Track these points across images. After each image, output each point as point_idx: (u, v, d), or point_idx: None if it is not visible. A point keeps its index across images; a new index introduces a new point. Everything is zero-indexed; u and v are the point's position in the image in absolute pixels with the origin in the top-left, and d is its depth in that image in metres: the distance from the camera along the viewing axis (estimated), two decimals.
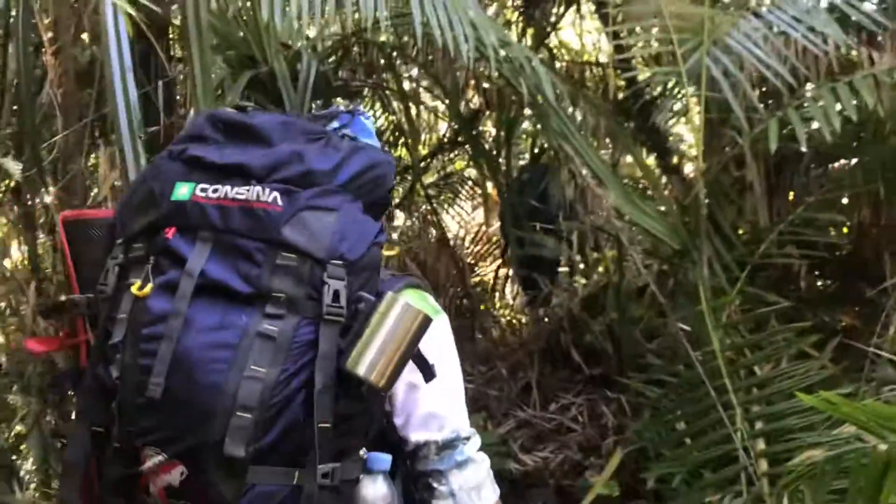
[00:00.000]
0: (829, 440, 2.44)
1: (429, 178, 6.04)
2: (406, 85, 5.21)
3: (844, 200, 3.44)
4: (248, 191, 1.15)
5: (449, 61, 4.09)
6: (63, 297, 1.24)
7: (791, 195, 3.42)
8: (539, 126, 3.52)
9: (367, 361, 1.10)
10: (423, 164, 5.58)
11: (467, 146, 5.17)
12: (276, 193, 1.15)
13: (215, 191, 1.15)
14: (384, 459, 1.21)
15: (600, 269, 4.65)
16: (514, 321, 5.73)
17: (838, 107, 2.66)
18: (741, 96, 2.95)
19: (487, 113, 4.66)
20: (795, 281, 3.22)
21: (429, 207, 5.44)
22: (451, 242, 5.62)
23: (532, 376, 4.93)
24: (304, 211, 1.15)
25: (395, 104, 5.37)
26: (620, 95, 4.29)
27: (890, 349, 2.97)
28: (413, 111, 4.84)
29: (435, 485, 1.27)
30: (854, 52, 3.27)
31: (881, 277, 3.39)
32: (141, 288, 1.13)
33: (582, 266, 4.68)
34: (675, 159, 4.28)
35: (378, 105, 5.55)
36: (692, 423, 2.82)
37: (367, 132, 1.41)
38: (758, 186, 3.05)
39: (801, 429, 2.57)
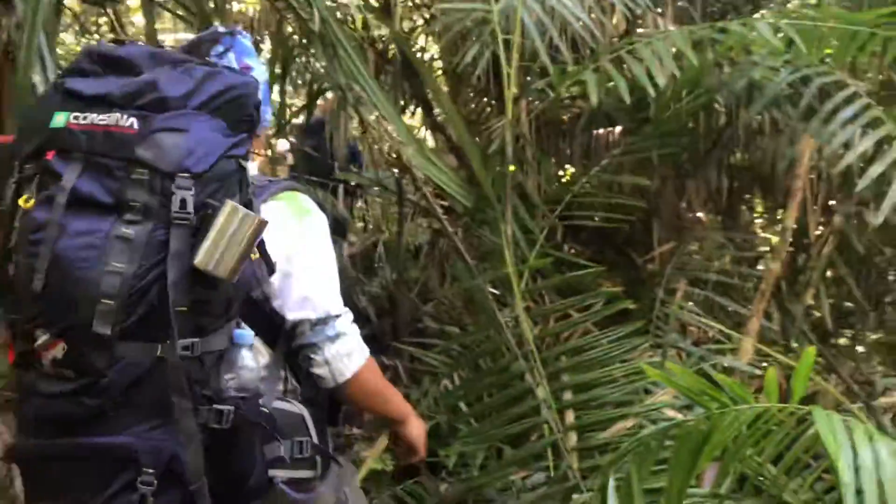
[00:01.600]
0: (642, 411, 2.35)
1: None
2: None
3: None
4: (108, 117, 1.34)
5: None
6: None
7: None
8: (321, 63, 3.08)
9: (212, 258, 1.30)
10: None
11: None
12: (133, 119, 1.33)
13: (84, 118, 1.34)
14: (244, 335, 1.44)
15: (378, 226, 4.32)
16: None
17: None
18: (548, 44, 2.76)
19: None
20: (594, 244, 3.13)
21: None
22: None
23: None
24: (157, 133, 1.33)
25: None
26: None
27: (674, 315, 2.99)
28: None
29: (311, 355, 1.53)
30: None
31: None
32: (27, 201, 1.33)
33: (360, 223, 4.33)
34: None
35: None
36: (495, 395, 2.61)
37: (249, 52, 1.61)
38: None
39: (611, 401, 2.46)
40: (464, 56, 2.83)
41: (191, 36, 4.89)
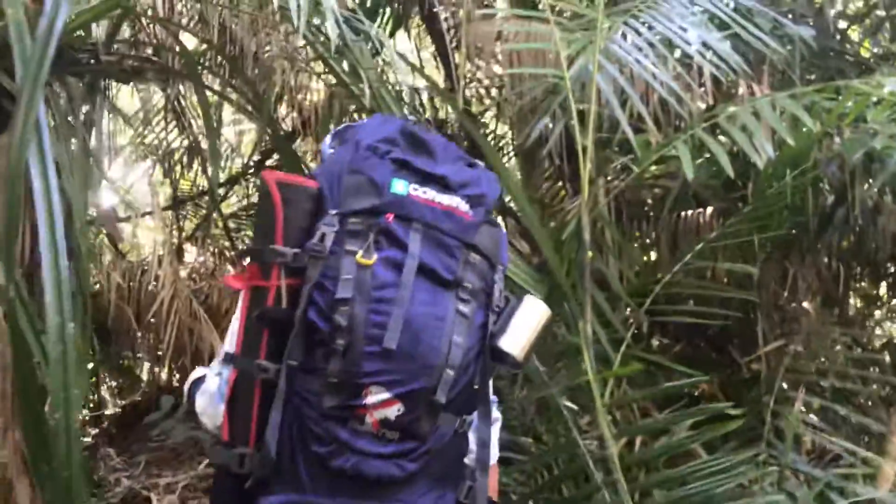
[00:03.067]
0: None
1: (229, 209, 5.10)
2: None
3: None
4: (450, 199, 1.40)
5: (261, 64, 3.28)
6: (267, 246, 1.37)
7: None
8: None
9: (518, 343, 1.40)
10: (222, 191, 4.68)
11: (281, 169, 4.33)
12: (467, 206, 1.41)
13: (425, 192, 1.39)
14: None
15: None
16: None
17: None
18: (629, 114, 2.41)
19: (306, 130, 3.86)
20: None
21: (227, 242, 4.51)
22: None
23: None
24: (484, 224, 1.43)
25: (190, 117, 4.49)
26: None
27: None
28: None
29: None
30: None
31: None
32: (364, 256, 1.33)
33: None
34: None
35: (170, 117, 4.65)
36: None
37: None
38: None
39: None
40: (532, 131, 2.49)
41: (253, 126, 4.78)
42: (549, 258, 2.30)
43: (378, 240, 1.34)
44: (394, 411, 1.31)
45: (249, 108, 3.51)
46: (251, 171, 5.08)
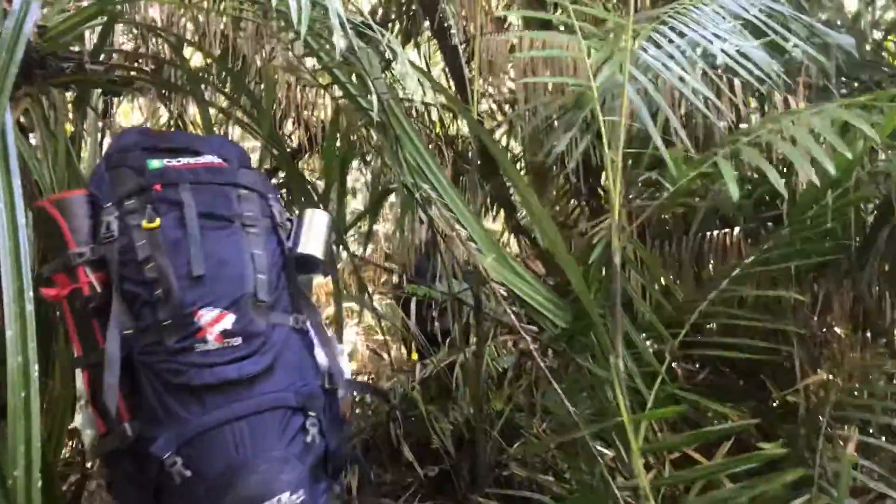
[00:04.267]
0: None
1: None
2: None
3: None
4: (203, 158, 1.68)
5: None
6: (67, 253, 1.52)
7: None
8: (385, 159, 2.59)
9: (312, 246, 1.73)
10: None
11: (284, 189, 4.13)
12: (219, 159, 1.70)
13: (178, 161, 1.64)
14: None
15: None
16: None
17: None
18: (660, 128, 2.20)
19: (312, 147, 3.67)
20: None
21: None
22: None
23: (351, 481, 3.93)
24: (241, 168, 1.72)
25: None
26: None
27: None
28: None
29: None
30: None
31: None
32: (149, 222, 1.52)
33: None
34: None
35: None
36: None
37: None
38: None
39: None
40: (553, 147, 2.29)
41: (256, 144, 4.62)
42: (577, 286, 2.09)
43: (155, 207, 1.54)
44: (229, 321, 1.47)
45: (253, 124, 3.33)
46: None
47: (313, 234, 1.69)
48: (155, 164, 1.61)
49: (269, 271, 1.56)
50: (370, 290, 3.97)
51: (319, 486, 1.54)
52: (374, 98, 2.25)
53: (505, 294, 2.50)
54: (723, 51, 2.31)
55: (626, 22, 2.12)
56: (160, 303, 1.47)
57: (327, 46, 2.45)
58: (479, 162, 3.05)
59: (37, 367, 1.42)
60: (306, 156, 3.97)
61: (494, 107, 4.35)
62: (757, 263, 2.49)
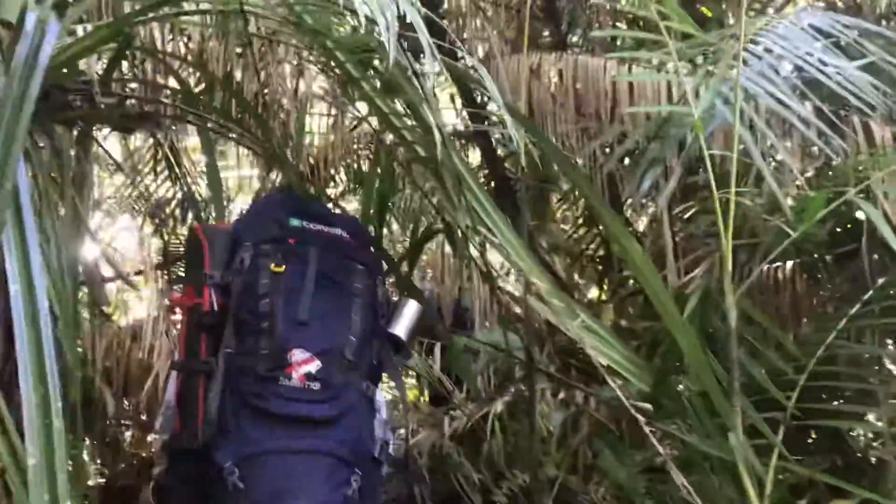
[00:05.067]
0: None
1: None
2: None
3: None
4: (334, 230, 1.87)
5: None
6: (202, 273, 1.74)
7: None
8: (432, 197, 2.27)
9: (401, 328, 1.87)
10: None
11: None
12: (347, 234, 1.89)
13: (315, 226, 1.84)
14: None
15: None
16: None
17: None
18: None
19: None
20: None
21: None
22: None
23: None
24: (361, 246, 1.93)
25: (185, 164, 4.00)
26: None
27: None
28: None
29: None
30: None
31: None
32: (276, 266, 1.70)
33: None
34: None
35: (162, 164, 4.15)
36: None
37: None
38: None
39: None
40: (642, 179, 1.98)
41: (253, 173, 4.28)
42: (688, 350, 1.76)
43: (285, 257, 1.72)
44: (314, 367, 1.62)
45: (259, 151, 3.00)
46: None
47: (403, 319, 1.83)
48: (295, 222, 1.80)
49: (360, 337, 1.70)
50: None
51: None
52: (436, 133, 1.93)
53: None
54: (824, 73, 2.03)
55: (730, 38, 1.82)
56: (264, 334, 1.64)
57: (370, 71, 2.15)
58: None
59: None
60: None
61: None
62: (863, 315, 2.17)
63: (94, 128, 2.10)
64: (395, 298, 1.90)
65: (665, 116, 2.07)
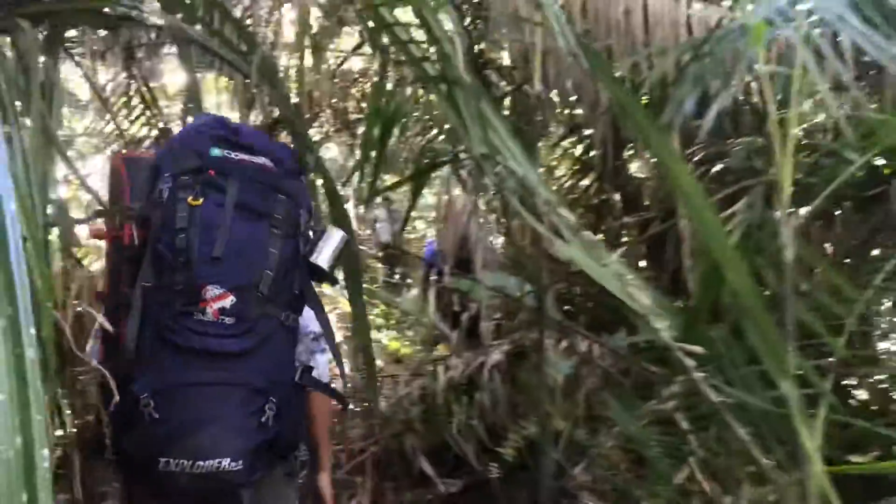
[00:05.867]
0: None
1: None
2: None
3: None
4: (258, 159, 1.80)
5: None
6: (121, 206, 1.75)
7: None
8: (446, 127, 2.05)
9: (322, 258, 1.83)
10: None
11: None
12: (272, 163, 1.82)
13: (237, 155, 1.78)
14: None
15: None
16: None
17: None
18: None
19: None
20: None
21: None
22: None
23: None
24: (286, 177, 1.84)
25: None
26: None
27: None
28: None
29: None
30: None
31: None
32: (193, 199, 1.69)
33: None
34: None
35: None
36: None
37: None
38: None
39: None
40: (681, 104, 1.77)
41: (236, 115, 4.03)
42: (743, 289, 1.57)
43: (204, 189, 1.70)
44: (228, 302, 1.63)
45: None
46: None
47: (326, 248, 1.80)
48: (216, 152, 1.77)
49: (277, 269, 1.70)
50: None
51: (259, 462, 1.65)
52: (451, 43, 1.71)
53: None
54: None
55: None
56: (179, 270, 1.64)
57: None
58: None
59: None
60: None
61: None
62: None
63: (66, 27, 1.84)
64: (320, 228, 1.85)
65: (705, 36, 1.85)
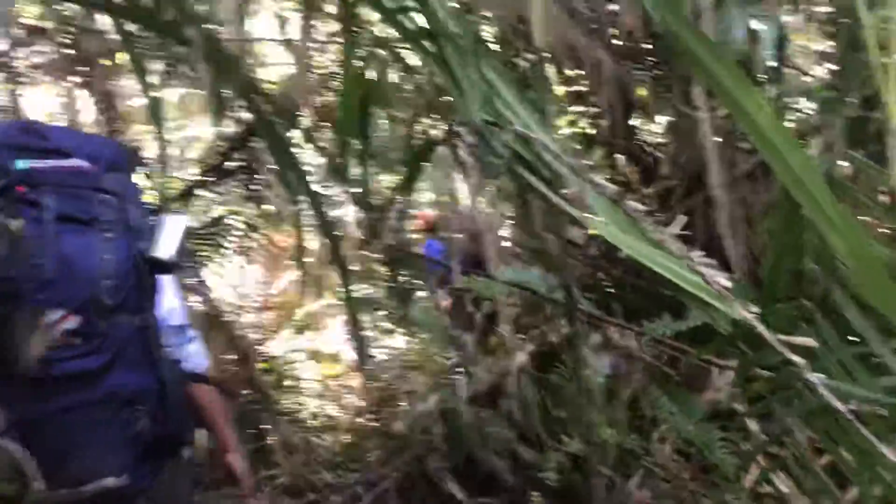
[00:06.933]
0: None
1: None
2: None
3: None
4: (71, 162, 1.68)
5: None
6: None
7: None
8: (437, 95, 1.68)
9: (165, 249, 1.74)
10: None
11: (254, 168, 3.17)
12: (87, 162, 1.70)
13: (46, 163, 1.65)
14: None
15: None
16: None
17: None
18: None
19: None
20: None
21: None
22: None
23: None
24: (108, 173, 1.73)
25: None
26: None
27: None
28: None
29: None
30: None
31: None
32: (7, 222, 1.54)
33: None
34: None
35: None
36: None
37: None
38: None
39: None
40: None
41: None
42: (850, 242, 1.18)
43: (17, 207, 1.58)
44: (73, 323, 1.56)
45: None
46: (211, 178, 3.97)
47: (166, 238, 1.72)
48: (21, 164, 1.64)
49: (117, 275, 1.63)
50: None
51: (144, 468, 1.64)
52: None
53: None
54: None
55: None
56: (11, 299, 1.54)
57: None
58: None
59: None
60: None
61: None
62: None
63: None
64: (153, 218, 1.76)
65: None
